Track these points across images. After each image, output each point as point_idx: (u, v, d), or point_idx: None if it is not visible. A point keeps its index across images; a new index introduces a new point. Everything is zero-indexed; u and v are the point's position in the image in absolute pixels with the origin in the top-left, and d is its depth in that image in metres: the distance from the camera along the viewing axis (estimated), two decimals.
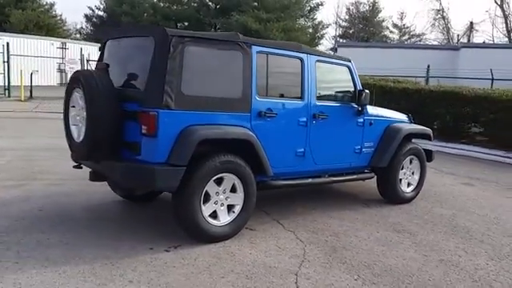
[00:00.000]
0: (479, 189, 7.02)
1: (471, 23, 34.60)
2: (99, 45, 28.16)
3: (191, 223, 3.93)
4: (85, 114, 3.97)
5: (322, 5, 36.73)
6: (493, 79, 14.16)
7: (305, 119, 4.66)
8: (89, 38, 38.82)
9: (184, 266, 3.57)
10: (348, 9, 41.80)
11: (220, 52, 4.09)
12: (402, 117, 6.04)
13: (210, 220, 4.02)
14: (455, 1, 58.85)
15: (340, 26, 41.70)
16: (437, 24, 36.44)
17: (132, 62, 4.18)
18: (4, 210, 4.65)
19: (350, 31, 42.00)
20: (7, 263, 3.43)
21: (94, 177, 4.35)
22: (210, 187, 3.99)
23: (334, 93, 5.13)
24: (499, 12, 33.80)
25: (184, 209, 3.88)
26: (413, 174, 5.89)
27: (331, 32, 43.94)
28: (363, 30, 41.47)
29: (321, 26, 39.66)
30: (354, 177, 5.35)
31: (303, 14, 37.32)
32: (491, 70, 14.26)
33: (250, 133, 4.16)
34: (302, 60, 4.67)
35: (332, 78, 5.13)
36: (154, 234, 4.18)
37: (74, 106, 4.20)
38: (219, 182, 4.05)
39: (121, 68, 4.20)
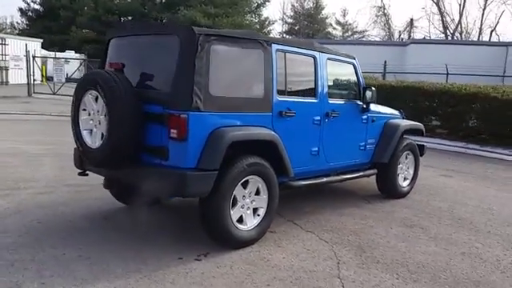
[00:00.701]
0: (460, 180, 7.34)
1: (411, 20, 36.30)
2: (42, 40, 26.43)
3: (221, 229, 3.76)
4: (102, 117, 3.70)
5: (268, 1, 36.94)
6: (447, 74, 14.82)
7: (319, 118, 4.61)
8: (23, 33, 36.52)
9: (223, 276, 3.41)
10: (293, 5, 42.39)
11: (243, 50, 3.95)
12: (396, 112, 6.17)
13: (238, 225, 3.88)
14: None
15: (286, 22, 42.18)
16: (378, 21, 37.81)
17: (151, 62, 3.91)
18: None
19: (296, 27, 42.56)
20: (32, 284, 3.10)
21: (109, 184, 4.05)
22: (238, 191, 3.84)
23: (342, 91, 5.12)
24: (435, 9, 35.62)
25: (214, 215, 3.71)
26: (408, 168, 6.04)
27: (278, 28, 44.29)
28: (308, 26, 42.20)
29: (267, 23, 39.96)
30: (361, 173, 5.39)
31: (250, 9, 37.36)
32: (446, 65, 14.92)
33: (274, 133, 4.05)
34: (314, 58, 4.61)
35: (341, 75, 5.13)
36: (175, 242, 3.97)
37: (85, 110, 3.88)
38: (245, 185, 3.91)
39: (136, 68, 3.90)
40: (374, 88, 5.19)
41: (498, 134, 10.75)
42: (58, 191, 5.38)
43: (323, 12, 41.88)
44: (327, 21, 42.44)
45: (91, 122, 3.84)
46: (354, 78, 5.22)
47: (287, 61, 4.30)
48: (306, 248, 4.03)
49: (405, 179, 6.00)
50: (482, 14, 34.09)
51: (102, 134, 3.72)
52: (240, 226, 3.89)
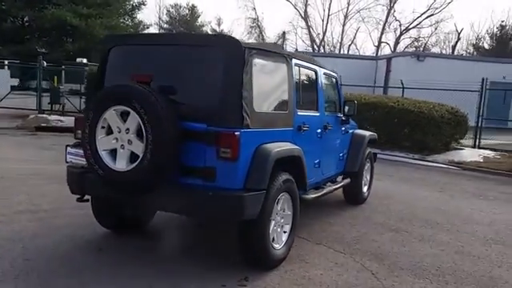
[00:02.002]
0: (389, 183, 8.06)
1: (284, 32, 38.46)
2: None
3: (263, 250, 3.60)
4: (132, 136, 3.26)
5: (144, 4, 35.78)
6: (403, 87, 15.31)
7: (320, 131, 4.69)
8: None
9: None
10: (168, 11, 41.66)
11: (274, 64, 3.85)
12: (354, 123, 6.54)
13: (273, 244, 3.75)
14: (268, 11, 64.39)
15: (162, 27, 41.23)
16: (253, 32, 39.32)
17: (183, 75, 3.53)
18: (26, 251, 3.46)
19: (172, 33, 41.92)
20: None
21: (134, 210, 3.60)
22: (274, 209, 3.72)
23: (331, 104, 5.27)
24: (303, 23, 38.33)
25: (259, 236, 3.53)
26: (367, 175, 6.45)
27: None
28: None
29: (141, 26, 38.66)
30: (342, 184, 5.59)
31: (125, 12, 35.77)
32: (401, 80, 15.57)
33: (300, 148, 4.01)
34: (316, 72, 4.68)
35: (330, 89, 5.27)
36: (206, 270, 3.67)
37: (103, 127, 3.37)
38: (278, 202, 3.80)
39: (162, 81, 3.51)
40: (355, 102, 5.45)
41: (394, 139, 11.99)
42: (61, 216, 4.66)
43: (199, 20, 42.06)
44: (203, 29, 42.67)
45: (114, 141, 3.35)
46: (336, 92, 5.42)
47: (301, 75, 4.30)
48: (331, 261, 4.06)
49: (364, 185, 6.39)
50: (342, 30, 37.69)
51: (133, 155, 3.28)
52: (274, 245, 3.77)
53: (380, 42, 36.50)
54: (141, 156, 3.22)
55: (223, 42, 3.54)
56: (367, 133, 6.29)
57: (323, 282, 3.61)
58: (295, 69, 4.15)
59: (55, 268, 3.55)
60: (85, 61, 19.71)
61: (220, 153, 3.25)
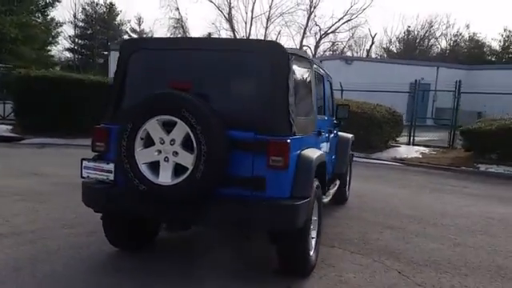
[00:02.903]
0: (356, 182, 8.36)
1: (210, 34, 38.16)
2: None
3: (304, 258, 3.57)
4: (178, 147, 3.06)
5: (58, 1, 33.61)
6: (342, 90, 15.66)
7: (327, 135, 4.74)
8: None
9: None
10: (84, 9, 39.42)
11: (304, 70, 3.82)
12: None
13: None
14: (192, 11, 63.29)
15: (77, 26, 38.93)
16: (176, 32, 38.56)
17: (225, 82, 3.38)
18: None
19: (88, 32, 39.74)
20: None
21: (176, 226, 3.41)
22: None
23: (330, 107, 5.34)
24: (227, 25, 38.39)
25: (300, 244, 3.49)
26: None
27: (69, 31, 40.21)
28: (102, 31, 39.94)
29: (54, 24, 36.30)
30: (338, 185, 5.69)
31: (38, 8, 33.32)
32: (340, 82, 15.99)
33: (323, 153, 4.02)
34: (323, 76, 4.72)
35: (328, 93, 5.33)
36: (245, 280, 3.56)
37: (142, 139, 3.12)
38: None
39: (202, 88, 3.31)
40: (348, 104, 5.58)
41: None
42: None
43: (118, 18, 40.32)
44: (122, 28, 41.03)
45: (157, 153, 3.11)
46: (332, 95, 5.51)
47: (316, 79, 4.31)
48: (356, 264, 4.11)
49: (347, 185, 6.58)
50: (265, 33, 38.35)
51: (178, 168, 3.08)
52: (310, 252, 3.75)
53: (301, 46, 37.65)
54: (190, 168, 3.02)
55: (268, 47, 3.42)
56: (349, 135, 6.47)
57: (362, 285, 3.65)
58: (313, 73, 4.16)
59: None
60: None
61: (270, 161, 3.15)
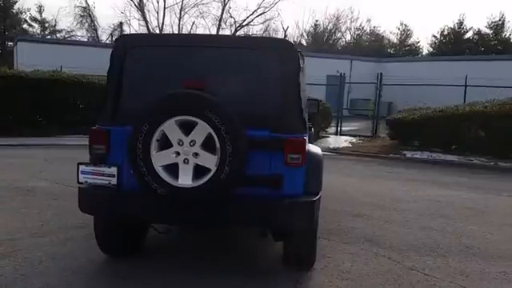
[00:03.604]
0: None
1: (121, 23, 36.45)
2: None
3: (312, 252, 3.64)
4: (198, 148, 2.95)
5: None
6: None
7: None
8: None
9: None
10: None
11: (303, 67, 3.83)
12: None
13: None
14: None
15: None
16: (84, 21, 36.33)
17: (235, 80, 3.27)
18: None
19: None
20: None
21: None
22: None
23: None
24: (137, 14, 36.83)
25: (311, 238, 3.57)
26: None
27: None
28: None
29: None
30: None
31: None
32: None
33: None
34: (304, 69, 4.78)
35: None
36: (256, 275, 3.55)
37: (158, 140, 2.94)
38: None
39: (212, 87, 3.17)
40: (318, 100, 5.70)
41: None
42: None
43: (16, 6, 36.81)
44: (21, 16, 37.57)
45: (174, 155, 2.96)
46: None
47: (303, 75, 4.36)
48: (345, 253, 4.26)
49: None
50: (179, 24, 37.52)
51: (198, 169, 2.97)
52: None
53: None
54: (214, 169, 2.92)
55: (279, 45, 3.38)
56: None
57: (362, 273, 3.80)
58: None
59: None
60: None
61: (288, 159, 3.15)
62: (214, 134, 2.90)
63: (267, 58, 3.27)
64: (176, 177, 2.96)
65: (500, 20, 36.53)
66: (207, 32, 38.69)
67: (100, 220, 3.53)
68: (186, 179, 2.96)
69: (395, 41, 43.07)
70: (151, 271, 3.59)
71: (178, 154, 2.96)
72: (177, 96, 2.99)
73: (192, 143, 2.94)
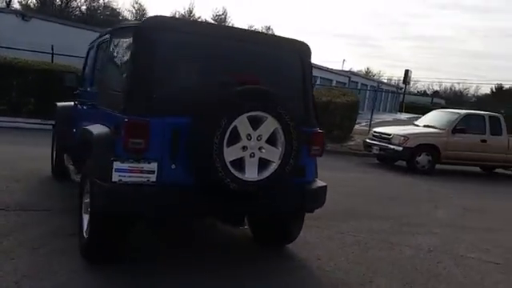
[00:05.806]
0: None
1: None
2: None
3: (300, 229, 4.08)
4: (263, 143, 3.16)
5: None
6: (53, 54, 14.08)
7: None
8: None
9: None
10: None
11: None
12: None
13: None
14: None
15: None
16: None
17: (269, 77, 3.46)
18: None
19: None
20: None
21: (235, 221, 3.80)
22: None
23: None
24: None
25: (302, 218, 4.00)
26: None
27: None
28: None
29: None
30: None
31: None
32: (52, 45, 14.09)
33: None
34: None
35: None
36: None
37: (229, 135, 3.04)
38: None
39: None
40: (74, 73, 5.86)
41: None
42: None
43: None
44: None
45: (242, 150, 3.09)
46: None
47: None
48: (321, 236, 4.63)
49: None
50: None
51: (263, 163, 3.18)
52: None
53: None
54: (278, 162, 3.17)
55: (302, 47, 3.69)
56: None
57: (346, 243, 4.49)
58: None
59: None
60: None
61: (312, 151, 3.58)
62: (280, 129, 3.13)
63: (293, 59, 3.63)
64: (242, 171, 3.09)
65: (223, 14, 45.75)
66: None
67: (103, 222, 3.16)
68: (252, 173, 3.11)
69: (131, 18, 39.85)
70: (135, 274, 3.32)
71: (244, 148, 3.10)
72: (252, 92, 3.11)
73: (259, 138, 3.11)
